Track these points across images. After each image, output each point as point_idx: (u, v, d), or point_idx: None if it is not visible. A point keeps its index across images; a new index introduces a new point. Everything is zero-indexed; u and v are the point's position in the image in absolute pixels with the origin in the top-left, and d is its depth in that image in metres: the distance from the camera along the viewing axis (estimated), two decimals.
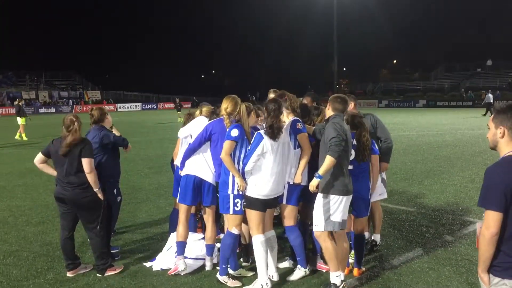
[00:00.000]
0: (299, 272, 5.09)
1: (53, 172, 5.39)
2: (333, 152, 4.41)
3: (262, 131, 4.83)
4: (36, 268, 5.59)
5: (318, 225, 4.64)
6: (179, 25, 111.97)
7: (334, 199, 4.56)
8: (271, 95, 6.81)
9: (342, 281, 4.63)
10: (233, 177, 4.85)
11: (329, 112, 4.86)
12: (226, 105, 5.21)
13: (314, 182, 4.56)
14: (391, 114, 39.40)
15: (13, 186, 10.82)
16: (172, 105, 72.62)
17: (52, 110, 59.59)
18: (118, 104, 65.82)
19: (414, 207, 8.09)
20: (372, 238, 5.97)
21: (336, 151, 4.42)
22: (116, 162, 6.09)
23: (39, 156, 5.40)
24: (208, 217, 5.49)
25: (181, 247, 5.37)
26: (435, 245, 6.11)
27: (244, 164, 4.83)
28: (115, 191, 5.98)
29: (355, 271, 5.11)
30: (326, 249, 4.65)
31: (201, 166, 5.31)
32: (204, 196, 5.36)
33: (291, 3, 78.34)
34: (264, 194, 4.77)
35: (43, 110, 58.47)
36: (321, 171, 4.50)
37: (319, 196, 4.63)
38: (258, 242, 4.78)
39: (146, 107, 68.69)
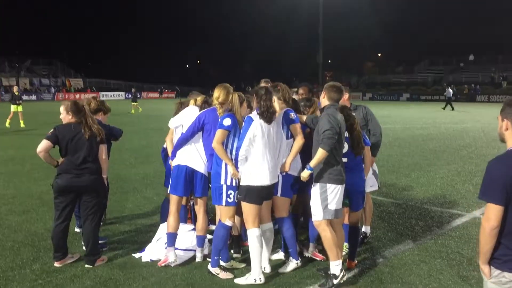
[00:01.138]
0: (292, 264, 5.04)
1: (53, 162, 5.21)
2: (325, 145, 4.37)
3: (252, 115, 4.74)
4: (22, 258, 5.45)
5: (317, 215, 4.60)
6: (164, 15, 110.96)
7: (331, 188, 4.53)
8: (263, 85, 6.75)
9: (341, 270, 4.60)
10: (226, 167, 4.77)
11: (324, 101, 4.80)
12: (218, 94, 5.12)
13: (306, 173, 4.54)
14: (376, 106, 39.42)
15: None
16: (156, 95, 72.35)
17: (34, 97, 58.64)
18: (101, 93, 64.97)
19: (402, 199, 8.11)
20: (363, 230, 5.96)
21: (328, 144, 4.37)
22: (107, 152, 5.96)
23: (47, 144, 5.07)
24: (199, 208, 5.40)
25: (172, 238, 5.28)
26: (425, 238, 6.12)
27: (237, 151, 4.75)
28: None
29: (348, 263, 5.08)
30: (325, 238, 4.61)
31: (193, 156, 5.21)
32: (196, 186, 5.27)
33: None
34: (258, 182, 4.66)
35: (24, 97, 57.06)
36: (312, 163, 4.46)
37: (316, 186, 4.60)
38: (254, 236, 4.70)
39: (129, 96, 67.82)
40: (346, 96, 5.64)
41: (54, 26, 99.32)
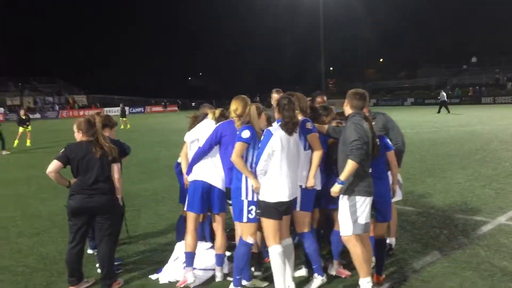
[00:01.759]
0: (317, 281, 4.82)
1: (65, 182, 5.02)
2: (355, 156, 4.17)
3: (272, 128, 4.55)
4: (34, 284, 5.23)
5: (346, 230, 4.40)
6: (164, 29, 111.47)
7: (360, 200, 4.32)
8: (275, 95, 6.55)
9: (372, 287, 4.37)
10: (246, 181, 4.57)
11: (347, 109, 4.60)
12: (235, 107, 4.93)
13: (336, 188, 4.30)
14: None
15: (0, 195, 10.39)
16: (160, 108, 72.41)
17: (38, 116, 58.65)
18: (105, 109, 65.01)
19: (422, 207, 7.86)
20: (388, 241, 5.73)
21: (358, 155, 4.17)
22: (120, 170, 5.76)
23: (57, 164, 4.87)
24: (217, 225, 5.19)
25: (190, 258, 5.06)
26: (452, 248, 5.87)
27: (253, 163, 4.56)
28: None
29: (376, 278, 4.83)
30: (355, 254, 4.39)
31: (209, 171, 5.01)
32: (214, 203, 5.06)
33: (276, 4, 78.33)
34: (277, 198, 4.47)
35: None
36: (343, 176, 4.24)
37: (344, 199, 4.40)
38: (276, 253, 4.48)
39: (133, 110, 68.01)
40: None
41: (56, 44, 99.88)
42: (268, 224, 4.52)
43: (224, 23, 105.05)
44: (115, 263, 5.48)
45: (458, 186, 9.42)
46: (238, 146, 4.54)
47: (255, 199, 4.58)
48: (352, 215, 4.34)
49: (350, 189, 4.33)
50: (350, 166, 4.19)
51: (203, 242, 5.69)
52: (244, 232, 4.66)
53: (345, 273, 5.07)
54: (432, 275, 5.04)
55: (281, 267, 4.50)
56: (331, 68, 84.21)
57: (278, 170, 4.46)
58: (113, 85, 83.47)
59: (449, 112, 35.95)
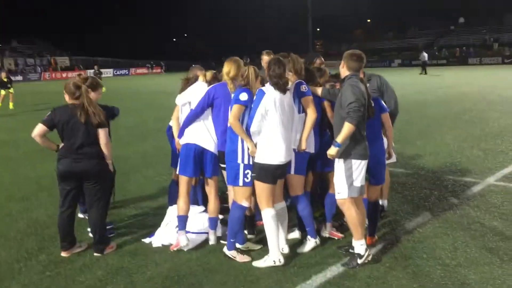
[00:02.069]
0: (310, 243, 4.83)
1: (53, 146, 4.90)
2: (352, 118, 4.10)
3: (264, 88, 4.46)
4: (26, 248, 5.18)
5: (341, 192, 4.37)
6: None
7: (356, 164, 4.29)
8: (265, 57, 6.39)
9: (366, 249, 4.39)
10: (243, 145, 4.50)
11: (343, 71, 4.50)
12: (228, 69, 4.81)
13: (333, 150, 4.24)
14: None
15: None
16: (145, 71, 71.34)
17: (20, 78, 57.41)
18: (88, 71, 63.81)
19: (412, 169, 7.91)
20: (380, 203, 5.75)
21: (355, 117, 4.10)
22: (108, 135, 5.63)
23: (41, 128, 4.75)
24: (210, 188, 5.13)
25: (183, 221, 5.02)
26: (442, 209, 5.93)
27: (249, 126, 4.47)
28: None
29: (368, 240, 4.86)
30: (350, 216, 4.39)
31: (202, 134, 4.92)
32: (206, 166, 4.99)
33: None
34: (273, 160, 4.40)
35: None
36: (339, 138, 4.18)
37: (340, 162, 4.34)
38: (269, 217, 4.45)
39: (118, 73, 66.96)
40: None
41: (37, 4, 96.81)
42: (262, 187, 4.48)
43: None
44: (107, 227, 5.43)
45: (447, 147, 9.48)
46: (236, 108, 4.44)
47: (251, 163, 4.52)
48: (347, 178, 4.31)
49: (346, 152, 4.28)
50: (346, 128, 4.12)
51: (195, 206, 5.65)
52: (239, 196, 4.62)
53: (338, 235, 5.11)
54: (424, 235, 5.09)
55: (274, 230, 4.48)
56: (317, 29, 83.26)
57: (273, 131, 4.39)
58: (96, 47, 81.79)
59: (421, 73, 36.02)
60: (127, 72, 68.69)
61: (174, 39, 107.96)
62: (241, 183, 4.55)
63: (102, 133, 4.80)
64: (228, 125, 4.52)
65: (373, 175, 4.75)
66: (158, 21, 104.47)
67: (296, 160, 4.73)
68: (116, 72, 66.41)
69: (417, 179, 7.30)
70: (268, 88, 4.44)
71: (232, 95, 4.66)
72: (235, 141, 4.53)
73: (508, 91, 20.39)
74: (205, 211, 5.48)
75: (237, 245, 4.79)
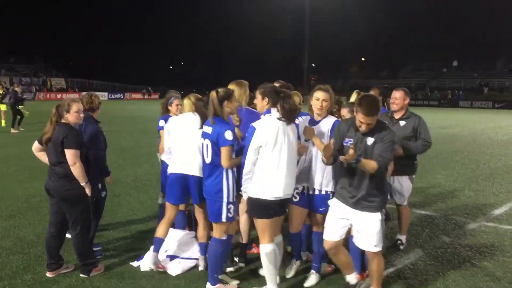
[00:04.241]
0: (314, 277, 4.78)
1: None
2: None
3: (261, 122, 4.25)
4: (11, 267, 5.08)
5: (379, 245, 4.09)
6: (148, 15, 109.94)
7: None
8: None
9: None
10: (228, 183, 4.36)
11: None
12: (239, 93, 4.83)
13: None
14: None
15: None
16: (140, 95, 71.48)
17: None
18: (83, 93, 63.83)
19: None
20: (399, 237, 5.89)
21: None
22: (104, 155, 5.59)
23: (35, 144, 4.93)
24: (199, 214, 5.08)
25: (158, 243, 4.97)
26: (434, 247, 5.91)
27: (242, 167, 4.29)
28: (99, 185, 5.47)
29: (360, 276, 4.77)
30: (380, 267, 4.22)
31: (185, 161, 4.89)
32: (192, 193, 4.94)
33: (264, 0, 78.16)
34: (269, 194, 4.20)
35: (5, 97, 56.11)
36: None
37: (377, 215, 4.06)
38: (268, 252, 4.28)
39: (113, 96, 67.01)
40: (407, 100, 5.61)
41: (36, 24, 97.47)
42: (261, 223, 4.32)
43: (209, 13, 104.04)
44: (95, 249, 5.38)
45: (439, 187, 9.51)
46: (228, 150, 4.28)
47: (234, 199, 4.43)
48: (383, 229, 4.16)
49: (383, 204, 4.20)
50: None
51: (185, 231, 5.60)
52: (219, 231, 4.49)
53: (331, 268, 5.06)
54: (415, 273, 5.06)
55: (273, 265, 4.33)
56: (313, 65, 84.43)
57: (271, 164, 4.20)
58: (93, 70, 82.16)
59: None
60: (122, 97, 68.78)
61: (171, 67, 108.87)
62: (224, 219, 4.41)
63: (67, 154, 4.61)
64: (226, 167, 4.34)
65: None
66: (155, 48, 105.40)
67: (320, 200, 4.63)
68: (111, 96, 66.46)
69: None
70: (270, 119, 4.26)
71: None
72: (220, 178, 4.36)
73: (498, 135, 20.65)
74: (195, 236, 5.43)
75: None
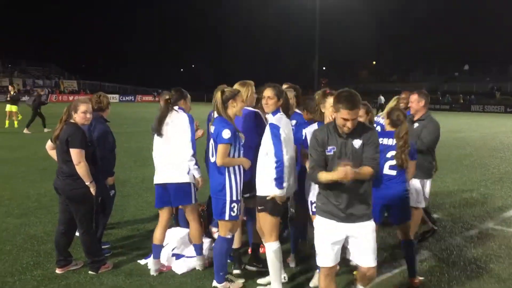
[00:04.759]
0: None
1: None
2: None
3: (276, 119, 4.38)
4: (21, 263, 5.19)
5: (376, 257, 3.74)
6: (159, 18, 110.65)
7: None
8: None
9: None
10: (230, 181, 4.40)
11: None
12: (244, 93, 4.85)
13: None
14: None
15: None
16: (151, 98, 71.89)
17: (26, 98, 57.94)
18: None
19: None
20: None
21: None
22: (114, 152, 5.70)
23: (48, 143, 5.08)
24: (188, 215, 5.07)
25: (156, 250, 4.98)
26: (440, 248, 5.92)
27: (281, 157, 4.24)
28: (108, 184, 5.57)
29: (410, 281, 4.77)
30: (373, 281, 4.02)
31: (161, 169, 4.97)
32: (171, 198, 4.98)
33: (273, 2, 78.26)
34: (288, 192, 4.35)
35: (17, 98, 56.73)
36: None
37: (372, 224, 3.71)
38: (274, 250, 4.37)
39: (124, 99, 67.56)
40: (421, 103, 5.59)
41: (49, 27, 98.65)
42: (270, 221, 4.38)
43: (220, 16, 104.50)
44: (104, 247, 5.47)
45: (447, 190, 9.49)
46: (224, 148, 4.32)
47: (238, 198, 4.46)
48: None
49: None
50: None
51: (187, 229, 5.67)
52: (224, 229, 4.54)
53: None
54: (421, 273, 5.06)
55: (279, 263, 4.40)
56: (324, 68, 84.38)
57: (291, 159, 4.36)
58: (104, 73, 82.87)
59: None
60: (133, 99, 69.29)
61: (182, 69, 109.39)
62: (227, 217, 4.46)
63: (72, 153, 4.70)
64: (218, 164, 4.38)
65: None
66: (167, 51, 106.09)
67: None
68: (122, 98, 67.01)
69: None
70: (281, 118, 4.41)
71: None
72: (223, 172, 4.42)
73: (509, 139, 20.51)
74: (203, 235, 5.49)
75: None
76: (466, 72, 68.39)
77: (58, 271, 4.94)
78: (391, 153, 4.59)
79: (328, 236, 3.65)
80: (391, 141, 4.63)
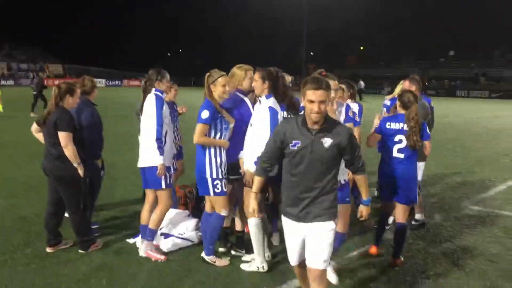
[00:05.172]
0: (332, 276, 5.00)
1: None
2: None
3: (274, 104, 4.53)
4: (12, 243, 5.32)
5: (327, 260, 3.39)
6: (147, 3, 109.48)
7: None
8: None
9: None
10: (210, 160, 4.59)
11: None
12: (240, 77, 4.95)
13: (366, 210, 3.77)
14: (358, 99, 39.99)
15: None
16: (138, 82, 71.34)
17: (11, 82, 57.38)
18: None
19: None
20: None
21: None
22: (101, 134, 5.82)
23: (33, 125, 5.20)
24: (158, 199, 5.07)
25: (144, 230, 5.08)
26: (420, 229, 6.16)
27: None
28: (99, 165, 5.72)
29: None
30: None
31: (139, 154, 5.10)
32: (143, 182, 5.13)
33: None
34: None
35: (1, 82, 56.09)
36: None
37: (330, 225, 3.37)
38: (255, 224, 4.60)
39: (111, 83, 67.07)
40: (413, 88, 5.71)
41: (35, 11, 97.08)
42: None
43: (207, 7, 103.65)
44: (93, 227, 5.60)
45: (429, 172, 9.72)
46: (201, 127, 4.52)
47: (219, 176, 4.61)
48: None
49: (336, 209, 3.51)
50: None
51: (180, 210, 5.83)
52: (217, 206, 4.72)
53: None
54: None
55: (261, 238, 4.61)
56: (311, 53, 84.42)
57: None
58: (90, 57, 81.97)
59: (361, 100, 37.21)
60: (119, 83, 68.80)
61: (168, 54, 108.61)
62: (212, 193, 4.65)
63: (60, 136, 4.81)
64: (194, 142, 4.57)
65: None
66: (154, 35, 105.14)
67: None
68: (109, 83, 66.53)
69: None
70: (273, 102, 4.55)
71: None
72: (203, 155, 4.62)
73: (492, 124, 20.92)
74: (190, 215, 5.67)
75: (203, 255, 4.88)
76: (452, 58, 68.93)
77: (48, 249, 5.08)
78: (399, 136, 4.77)
79: (289, 237, 3.52)
80: (398, 125, 4.79)
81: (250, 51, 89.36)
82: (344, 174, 4.38)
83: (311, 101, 3.19)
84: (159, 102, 4.87)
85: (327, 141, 3.27)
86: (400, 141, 4.76)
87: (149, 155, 4.90)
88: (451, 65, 66.33)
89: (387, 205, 5.08)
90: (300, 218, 3.36)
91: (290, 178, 3.39)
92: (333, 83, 4.18)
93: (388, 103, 6.71)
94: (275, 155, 3.50)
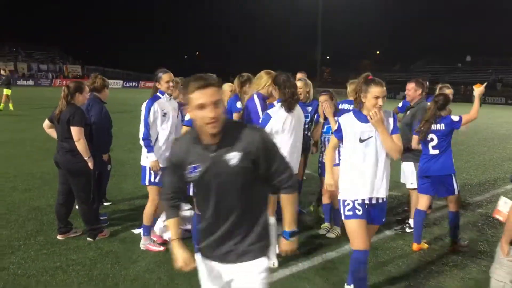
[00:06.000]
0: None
1: None
2: None
3: (272, 110, 4.70)
4: (26, 230, 5.73)
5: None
6: (164, 6, 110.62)
7: None
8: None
9: None
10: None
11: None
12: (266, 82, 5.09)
13: None
14: None
15: None
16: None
17: (31, 82, 58.55)
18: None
19: (394, 191, 8.37)
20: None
21: None
22: (110, 131, 6.22)
23: (45, 122, 5.57)
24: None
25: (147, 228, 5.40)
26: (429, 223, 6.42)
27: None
28: (106, 159, 6.11)
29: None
30: None
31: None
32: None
33: None
34: None
35: (21, 82, 57.27)
36: None
37: (263, 262, 2.59)
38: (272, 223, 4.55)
39: (127, 84, 68.00)
40: (418, 91, 6.11)
41: (55, 13, 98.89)
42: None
43: (223, 5, 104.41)
44: (101, 218, 5.98)
45: None
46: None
47: None
48: None
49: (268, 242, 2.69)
50: None
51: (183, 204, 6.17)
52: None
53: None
54: (388, 246, 5.59)
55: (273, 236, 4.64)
56: (327, 57, 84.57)
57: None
58: (108, 58, 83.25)
59: None
60: (136, 85, 69.73)
61: (185, 56, 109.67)
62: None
63: (73, 131, 5.19)
64: None
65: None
66: (171, 38, 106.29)
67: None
68: (125, 84, 67.48)
69: (398, 198, 7.81)
70: (276, 109, 4.69)
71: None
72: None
73: (502, 129, 20.98)
74: (191, 208, 6.01)
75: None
76: (468, 63, 68.49)
77: (59, 237, 5.48)
78: (431, 135, 5.42)
79: (209, 284, 2.64)
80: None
81: (262, 55, 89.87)
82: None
83: (201, 106, 2.31)
84: (148, 104, 5.22)
85: (234, 156, 2.40)
86: (432, 140, 5.49)
87: (142, 154, 5.29)
88: (467, 71, 65.93)
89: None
90: (223, 259, 2.55)
91: (203, 214, 2.58)
92: (381, 90, 3.83)
93: (400, 104, 6.96)
94: (179, 184, 2.62)
